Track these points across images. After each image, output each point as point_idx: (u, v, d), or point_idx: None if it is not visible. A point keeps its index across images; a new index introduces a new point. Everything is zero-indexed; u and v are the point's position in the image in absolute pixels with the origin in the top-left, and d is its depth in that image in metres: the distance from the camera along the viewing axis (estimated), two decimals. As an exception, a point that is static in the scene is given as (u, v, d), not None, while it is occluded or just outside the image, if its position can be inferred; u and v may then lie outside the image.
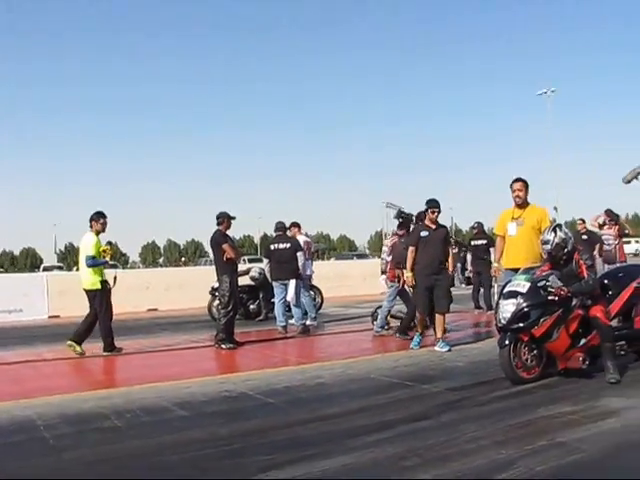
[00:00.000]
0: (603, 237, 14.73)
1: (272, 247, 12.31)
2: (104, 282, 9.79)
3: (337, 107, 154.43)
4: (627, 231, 15.73)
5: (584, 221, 16.42)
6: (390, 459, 4.38)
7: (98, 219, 9.88)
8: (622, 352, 7.12)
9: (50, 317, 16.72)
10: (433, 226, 9.12)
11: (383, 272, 11.29)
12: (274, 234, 12.75)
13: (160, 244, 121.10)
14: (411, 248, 9.20)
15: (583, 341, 6.72)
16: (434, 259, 9.02)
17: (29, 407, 6.44)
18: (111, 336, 9.81)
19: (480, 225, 15.18)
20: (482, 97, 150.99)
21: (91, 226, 9.87)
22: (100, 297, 9.71)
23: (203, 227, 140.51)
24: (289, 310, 12.68)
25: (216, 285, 13.93)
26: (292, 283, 11.72)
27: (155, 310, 18.29)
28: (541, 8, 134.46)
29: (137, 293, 18.34)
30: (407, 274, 9.29)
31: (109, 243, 10.03)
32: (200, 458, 4.62)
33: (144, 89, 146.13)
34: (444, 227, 9.46)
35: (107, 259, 9.97)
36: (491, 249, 14.19)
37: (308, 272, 13.15)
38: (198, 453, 4.74)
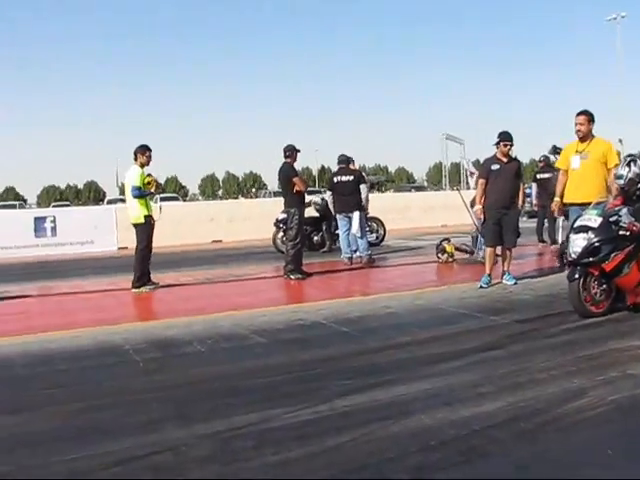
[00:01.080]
0: None
1: (335, 180, 12.44)
2: (148, 217, 9.78)
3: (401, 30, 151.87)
4: None
5: None
6: (465, 386, 4.58)
7: (144, 152, 9.94)
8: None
9: (119, 248, 17.26)
10: (505, 159, 8.98)
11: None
12: (337, 167, 12.83)
13: (219, 176, 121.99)
14: (481, 181, 9.14)
15: (653, 277, 6.76)
16: (505, 193, 8.93)
17: (116, 333, 6.85)
18: (144, 272, 9.81)
19: (547, 158, 15.01)
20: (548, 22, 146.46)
21: (135, 159, 9.94)
22: (142, 231, 9.73)
23: (261, 159, 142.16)
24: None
25: (280, 217, 14.27)
26: (356, 215, 11.85)
27: (219, 242, 18.68)
28: None
29: (201, 225, 18.80)
30: (477, 207, 9.24)
31: (149, 175, 9.99)
32: (283, 382, 4.89)
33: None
34: (516, 160, 9.33)
35: (152, 190, 10.10)
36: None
37: None
38: (280, 377, 5.02)
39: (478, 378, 4.75)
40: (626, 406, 4.10)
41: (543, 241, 14.40)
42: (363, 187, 12.25)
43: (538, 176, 15.08)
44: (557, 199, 8.48)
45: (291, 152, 10.61)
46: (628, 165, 6.82)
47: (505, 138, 8.93)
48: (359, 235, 11.96)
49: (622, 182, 6.82)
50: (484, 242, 9.56)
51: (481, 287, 8.85)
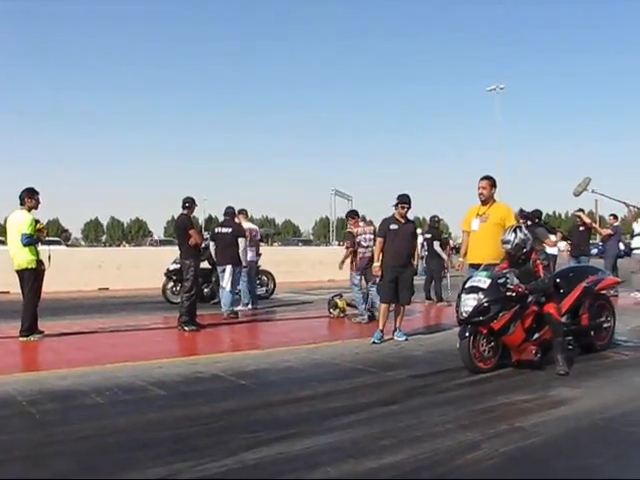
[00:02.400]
0: None
1: (217, 230, 12.52)
2: (39, 262, 9.45)
3: (279, 91, 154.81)
4: None
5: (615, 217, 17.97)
6: (368, 439, 4.75)
7: (32, 195, 9.50)
8: (570, 346, 7.68)
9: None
10: (403, 220, 9.40)
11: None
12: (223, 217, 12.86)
13: (103, 221, 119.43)
14: (379, 239, 9.50)
15: (536, 335, 7.21)
16: (402, 252, 9.31)
17: (6, 383, 6.62)
18: (34, 320, 9.44)
19: (435, 219, 15.76)
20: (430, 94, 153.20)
21: (23, 203, 9.48)
22: (33, 277, 9.36)
23: (147, 205, 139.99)
24: (238, 293, 13.12)
25: (172, 267, 14.23)
26: (228, 269, 11.88)
27: (107, 289, 18.31)
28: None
29: (88, 272, 18.39)
30: (375, 264, 9.58)
31: (38, 221, 9.50)
32: (188, 435, 4.90)
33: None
34: (412, 222, 9.77)
35: (44, 236, 9.82)
36: (435, 242, 14.86)
37: (249, 258, 13.37)
38: (185, 430, 5.03)
39: (379, 431, 4.92)
40: (517, 457, 4.38)
41: (430, 298, 14.95)
42: (241, 240, 12.33)
43: (425, 236, 15.67)
44: (460, 259, 8.95)
45: (190, 204, 10.65)
46: (514, 231, 7.29)
47: (403, 200, 9.36)
48: (228, 289, 11.94)
49: (509, 247, 7.28)
50: (380, 299, 9.84)
51: (374, 342, 9.10)
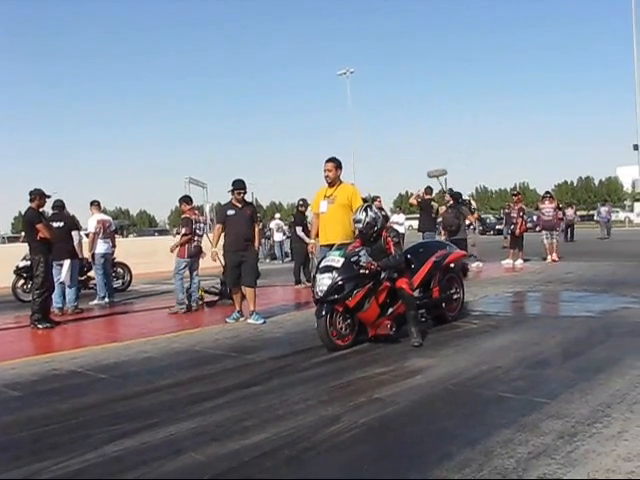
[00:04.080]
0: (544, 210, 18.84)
1: None
2: None
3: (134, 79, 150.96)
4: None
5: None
6: (231, 421, 4.80)
7: None
8: (423, 319, 8.03)
9: None
10: (239, 205, 9.63)
11: None
12: (51, 212, 12.40)
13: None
14: (218, 225, 9.74)
15: (390, 310, 7.50)
16: (240, 236, 9.53)
17: None
18: None
19: (298, 203, 15.90)
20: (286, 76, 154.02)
21: None
22: None
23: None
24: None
25: (21, 264, 13.62)
26: (66, 263, 11.49)
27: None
28: None
29: None
30: (212, 250, 9.81)
31: None
32: (46, 434, 4.76)
33: None
34: (250, 204, 10.02)
35: None
36: (298, 227, 15.06)
37: (104, 250, 13.19)
38: (42, 429, 4.87)
39: (241, 413, 4.98)
40: (375, 427, 4.56)
41: (299, 282, 15.06)
42: (75, 234, 12.00)
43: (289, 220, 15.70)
44: (312, 241, 9.12)
45: (36, 196, 10.18)
46: (365, 210, 7.52)
47: (238, 187, 9.62)
48: (68, 284, 11.62)
49: (360, 226, 7.50)
50: (227, 284, 9.96)
51: (227, 322, 9.45)
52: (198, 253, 11.26)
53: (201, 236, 11.40)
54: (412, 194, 17.02)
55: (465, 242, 14.76)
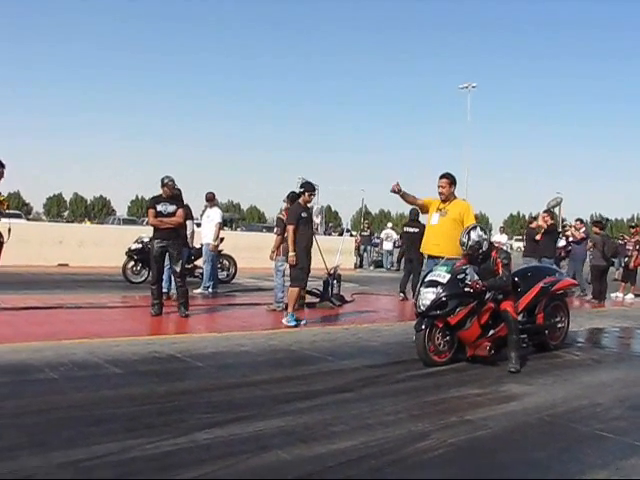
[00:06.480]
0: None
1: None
2: None
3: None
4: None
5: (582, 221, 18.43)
6: (320, 424, 4.81)
7: None
8: (524, 344, 7.81)
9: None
10: (307, 207, 9.83)
11: None
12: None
13: (66, 197, 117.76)
14: (292, 227, 9.50)
15: (492, 332, 7.34)
16: (311, 238, 9.73)
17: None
18: None
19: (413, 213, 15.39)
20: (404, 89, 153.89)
21: None
22: None
23: (111, 184, 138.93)
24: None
25: (133, 247, 14.12)
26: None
27: (66, 265, 18.07)
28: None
29: (48, 247, 18.15)
30: (291, 254, 9.49)
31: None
32: (142, 413, 4.92)
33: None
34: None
35: (5, 209, 9.70)
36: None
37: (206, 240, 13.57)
38: (139, 408, 5.04)
39: (331, 418, 4.99)
40: (464, 448, 4.47)
41: (403, 293, 14.35)
42: (189, 223, 12.06)
43: (405, 229, 15.14)
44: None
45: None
46: (468, 234, 7.38)
47: (310, 189, 9.79)
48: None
49: (464, 248, 7.39)
50: (296, 284, 9.71)
51: (289, 325, 9.40)
52: None
53: None
54: (534, 216, 16.62)
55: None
